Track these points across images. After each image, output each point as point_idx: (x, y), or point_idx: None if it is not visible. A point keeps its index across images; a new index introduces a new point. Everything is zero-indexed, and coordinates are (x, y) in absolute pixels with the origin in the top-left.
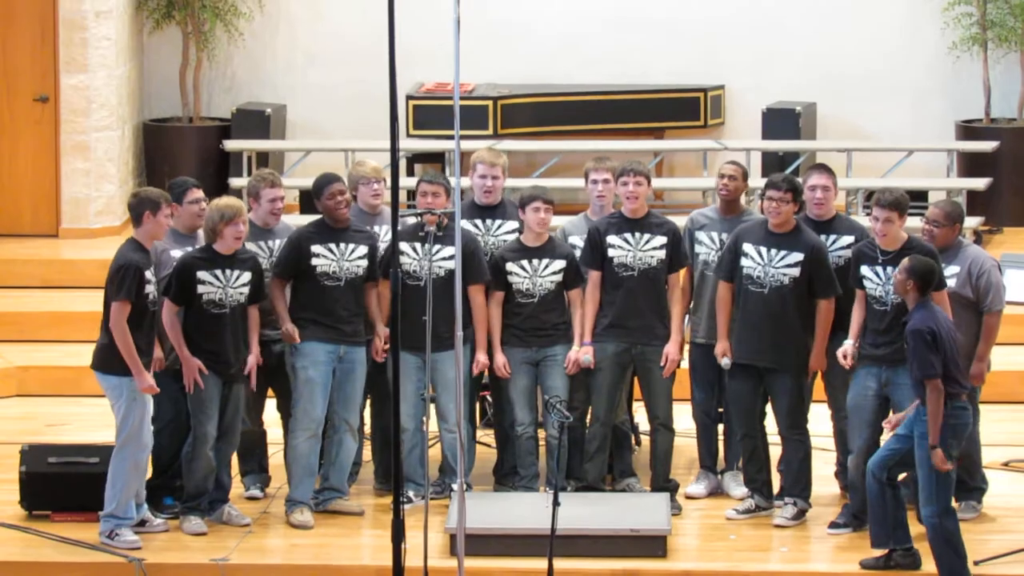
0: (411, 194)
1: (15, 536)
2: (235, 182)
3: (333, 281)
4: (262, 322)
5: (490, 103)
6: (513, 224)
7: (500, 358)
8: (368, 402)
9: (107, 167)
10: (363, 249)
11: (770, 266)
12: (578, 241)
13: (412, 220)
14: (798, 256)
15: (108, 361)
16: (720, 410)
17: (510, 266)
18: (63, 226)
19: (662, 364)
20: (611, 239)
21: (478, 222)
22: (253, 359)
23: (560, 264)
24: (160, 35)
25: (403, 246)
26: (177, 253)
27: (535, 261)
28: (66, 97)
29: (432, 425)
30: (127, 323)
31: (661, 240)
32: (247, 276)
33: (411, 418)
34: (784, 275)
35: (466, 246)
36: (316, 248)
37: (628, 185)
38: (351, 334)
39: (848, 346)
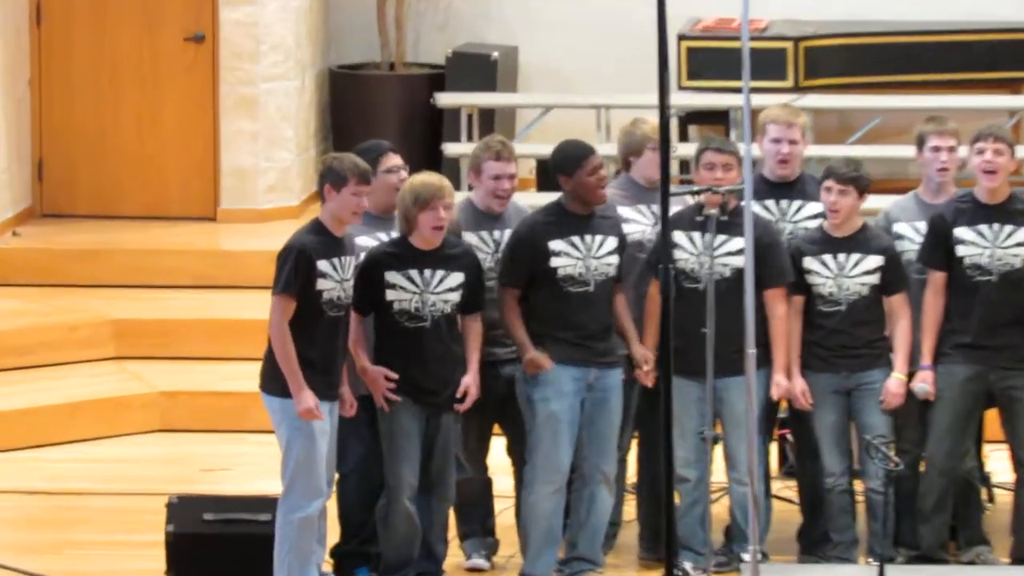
0: (683, 166)
1: None
2: (450, 148)
3: (579, 286)
4: (487, 337)
5: (790, 45)
6: (816, 206)
7: (799, 384)
8: (632, 444)
9: (281, 128)
10: (612, 241)
11: None
12: (906, 229)
13: (690, 201)
14: None
15: (271, 377)
16: None
17: (809, 262)
18: (222, 206)
19: None
20: (960, 232)
21: (770, 203)
22: (470, 379)
23: (876, 261)
24: None
25: (678, 236)
26: (366, 240)
27: (842, 256)
28: (227, 36)
29: (716, 475)
30: (296, 327)
31: None
32: (457, 278)
33: (690, 465)
34: None
35: (761, 237)
36: (555, 244)
37: (985, 153)
38: (603, 353)
39: None
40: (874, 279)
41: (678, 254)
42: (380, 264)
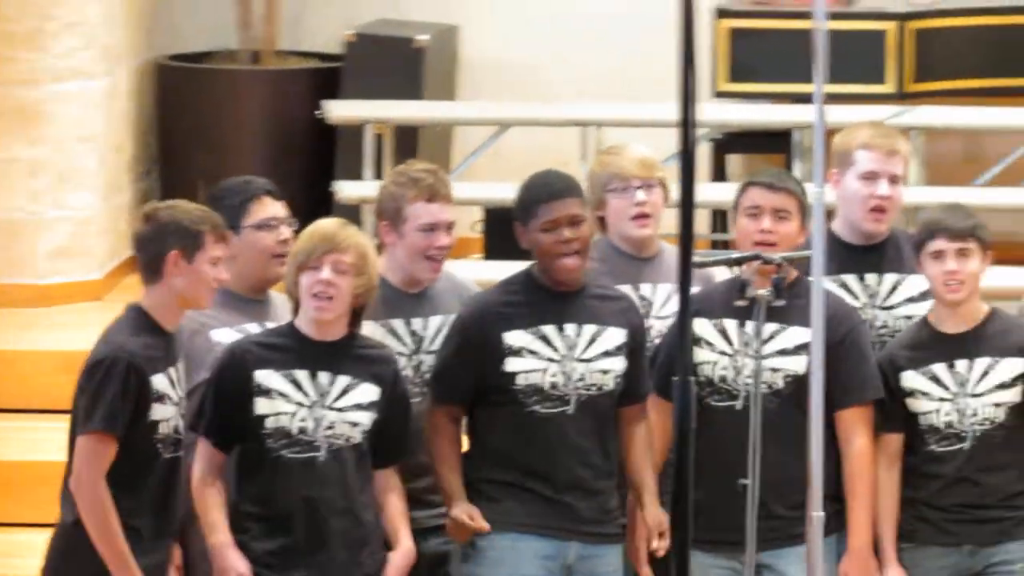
0: (719, 218)
1: None
2: (346, 189)
3: (552, 405)
4: (410, 495)
5: (891, 27)
6: (921, 283)
7: (895, 574)
8: None
9: (78, 156)
10: (616, 335)
11: None
12: None
13: (724, 273)
14: None
15: (70, 561)
16: None
17: (911, 379)
18: None
19: None
20: None
21: (850, 279)
22: (400, 558)
23: (1015, 366)
24: None
25: (702, 327)
26: (227, 337)
27: (962, 364)
28: None
29: None
30: (111, 483)
31: None
32: (368, 392)
33: None
34: None
35: (833, 326)
36: (514, 337)
37: None
38: (592, 518)
39: None
40: (1013, 395)
41: (701, 355)
42: (247, 359)
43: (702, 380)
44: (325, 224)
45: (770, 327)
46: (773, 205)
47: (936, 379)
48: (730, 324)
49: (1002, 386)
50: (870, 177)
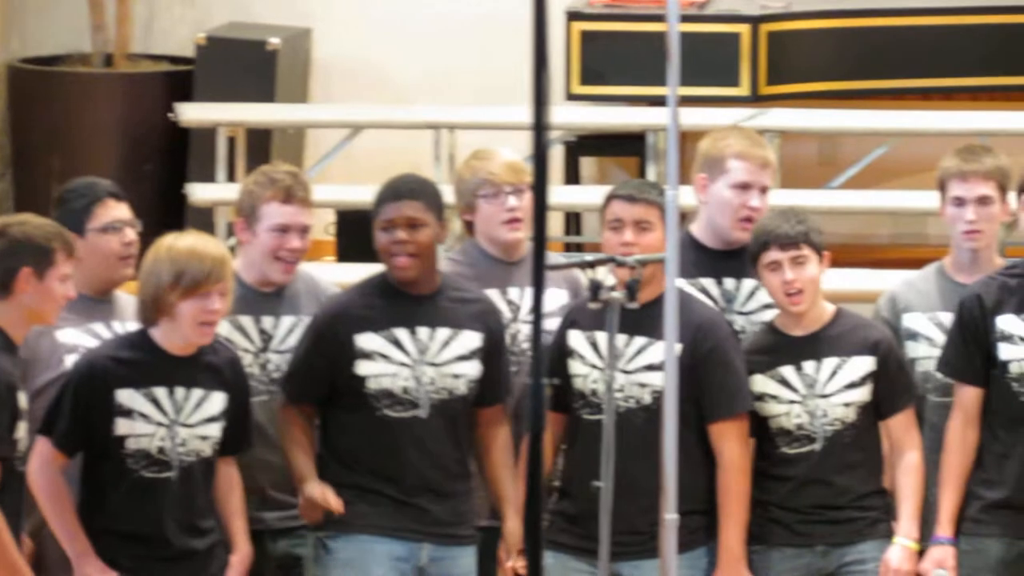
0: (572, 221)
1: None
2: (199, 192)
3: (404, 409)
4: (251, 494)
5: (744, 30)
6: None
7: None
8: None
9: None
10: (471, 339)
11: None
12: (923, 324)
13: (581, 278)
14: None
15: None
16: None
17: (762, 383)
18: None
19: None
20: (1006, 323)
21: (709, 283)
22: (239, 560)
23: (863, 364)
24: None
25: (575, 340)
26: (76, 338)
27: (810, 365)
28: None
29: None
30: None
31: None
32: (218, 401)
33: None
34: None
35: (700, 337)
36: (366, 339)
37: None
38: (445, 520)
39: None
40: (862, 394)
41: (574, 367)
42: (107, 377)
43: (575, 393)
44: (210, 247)
45: (638, 341)
46: (634, 217)
47: (784, 382)
48: (601, 336)
49: (851, 385)
50: (743, 187)
